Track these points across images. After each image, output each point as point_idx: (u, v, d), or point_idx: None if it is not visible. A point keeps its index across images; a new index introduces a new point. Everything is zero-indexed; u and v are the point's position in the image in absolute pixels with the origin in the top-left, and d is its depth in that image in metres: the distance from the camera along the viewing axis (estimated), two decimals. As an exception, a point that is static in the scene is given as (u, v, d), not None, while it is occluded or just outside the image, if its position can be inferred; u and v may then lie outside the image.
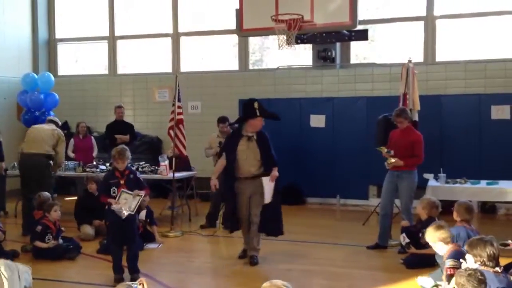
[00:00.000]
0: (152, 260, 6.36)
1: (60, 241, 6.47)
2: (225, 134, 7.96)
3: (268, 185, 5.95)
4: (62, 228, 6.63)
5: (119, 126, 9.64)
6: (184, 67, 11.45)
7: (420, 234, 5.88)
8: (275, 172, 5.96)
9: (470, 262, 4.02)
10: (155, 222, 7.35)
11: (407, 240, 5.94)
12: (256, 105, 5.96)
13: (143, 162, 8.64)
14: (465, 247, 4.13)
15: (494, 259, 3.85)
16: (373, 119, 8.56)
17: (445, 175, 7.42)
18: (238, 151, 5.97)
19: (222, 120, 8.05)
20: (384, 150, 6.65)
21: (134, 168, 8.16)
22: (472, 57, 9.64)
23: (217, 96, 10.73)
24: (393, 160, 6.53)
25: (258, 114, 5.93)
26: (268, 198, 5.96)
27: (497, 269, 3.83)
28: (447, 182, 7.37)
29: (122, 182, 5.46)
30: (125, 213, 5.30)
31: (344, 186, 9.63)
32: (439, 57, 9.89)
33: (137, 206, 5.44)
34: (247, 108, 6.05)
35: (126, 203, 5.33)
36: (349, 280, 5.58)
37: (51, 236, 6.36)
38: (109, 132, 9.61)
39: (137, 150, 9.85)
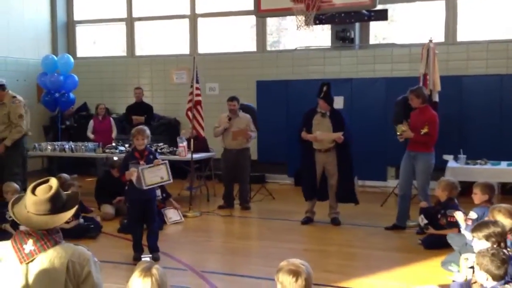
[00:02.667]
0: (171, 239, 6.45)
1: (81, 220, 6.57)
2: (233, 112, 7.99)
3: (326, 134, 6.69)
4: (92, 208, 6.74)
5: (138, 108, 9.71)
6: (202, 49, 11.43)
7: (439, 215, 5.87)
8: (340, 135, 6.67)
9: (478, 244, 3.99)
10: (169, 194, 7.44)
11: (426, 221, 5.93)
12: (324, 88, 6.78)
13: (162, 144, 8.70)
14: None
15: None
16: (392, 100, 8.48)
17: (465, 156, 7.35)
18: (313, 125, 6.79)
19: (231, 98, 8.09)
20: (400, 128, 6.59)
21: (152, 150, 8.26)
22: (494, 37, 9.44)
23: (234, 77, 10.71)
24: (403, 128, 6.47)
25: (320, 96, 6.79)
26: (321, 135, 6.72)
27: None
28: (467, 163, 7.31)
29: (141, 162, 5.50)
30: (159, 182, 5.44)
31: (362, 168, 9.54)
32: (460, 37, 9.71)
33: (169, 172, 5.47)
34: (319, 88, 6.83)
35: (154, 176, 5.37)
36: (366, 261, 5.59)
37: (71, 217, 6.42)
38: (128, 114, 9.70)
39: (155, 132, 9.89)
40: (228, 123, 7.94)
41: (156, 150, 8.35)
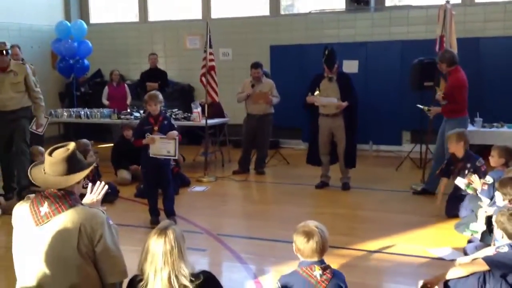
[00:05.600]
0: (187, 204, 6.54)
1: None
2: (257, 80, 7.94)
3: (327, 100, 6.68)
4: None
5: (153, 74, 9.72)
6: (215, 14, 11.31)
7: (466, 172, 5.53)
8: (342, 103, 6.65)
9: (499, 200, 4.02)
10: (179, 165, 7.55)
11: (466, 181, 5.33)
12: (326, 51, 6.70)
13: (176, 109, 8.73)
14: (496, 185, 4.11)
15: None
16: (408, 64, 8.38)
17: (481, 119, 7.28)
18: (320, 90, 6.74)
19: (254, 65, 7.98)
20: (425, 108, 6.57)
21: (168, 115, 8.30)
22: (513, -2, 9.21)
23: (248, 42, 10.62)
24: (426, 108, 6.44)
25: (323, 60, 6.72)
26: (322, 101, 6.73)
27: None
28: (483, 127, 7.24)
29: (156, 128, 5.55)
30: (165, 155, 5.50)
31: (376, 132, 9.56)
32: (478, -2, 9.50)
33: (177, 149, 5.54)
34: (323, 52, 6.75)
35: (162, 147, 5.46)
36: (380, 224, 5.62)
37: (88, 181, 6.53)
38: (142, 80, 9.71)
39: (169, 98, 9.91)
40: (251, 90, 7.91)
41: (170, 115, 8.39)
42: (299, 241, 2.83)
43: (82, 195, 2.86)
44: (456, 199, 5.67)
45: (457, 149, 5.70)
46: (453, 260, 4.21)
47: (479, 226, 4.58)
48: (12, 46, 7.74)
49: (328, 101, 6.73)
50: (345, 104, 6.68)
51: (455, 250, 4.69)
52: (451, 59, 6.38)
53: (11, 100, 6.41)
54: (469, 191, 5.15)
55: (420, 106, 6.75)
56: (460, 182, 5.29)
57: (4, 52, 6.27)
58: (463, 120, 6.39)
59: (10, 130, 6.44)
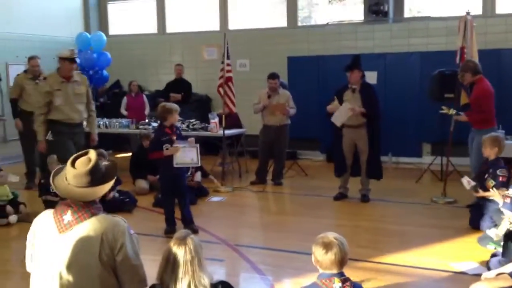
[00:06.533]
0: (204, 214, 6.51)
1: (116, 194, 6.68)
2: (273, 90, 7.92)
3: (343, 110, 6.59)
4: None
5: (178, 84, 9.78)
6: (232, 25, 11.36)
7: (486, 176, 5.53)
8: (356, 108, 6.57)
9: None
10: (207, 173, 7.66)
11: (473, 183, 5.54)
12: (353, 60, 6.71)
13: (193, 120, 8.75)
14: None
15: None
16: (427, 75, 8.31)
17: (503, 131, 7.15)
18: (343, 101, 6.68)
19: (271, 76, 7.97)
20: (452, 111, 6.46)
21: (185, 126, 8.35)
22: (535, 9, 9.11)
23: (265, 53, 10.63)
24: (454, 111, 6.33)
25: (348, 68, 6.69)
26: (337, 119, 6.69)
27: None
28: (505, 139, 7.09)
29: (174, 137, 5.57)
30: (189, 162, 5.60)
31: (396, 144, 9.44)
32: (499, 9, 9.38)
33: (199, 156, 5.59)
34: (350, 62, 6.75)
35: (185, 156, 5.50)
36: (400, 237, 5.53)
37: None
38: (167, 90, 9.75)
39: (187, 108, 9.95)
40: (268, 101, 7.89)
41: (188, 126, 8.44)
42: (318, 253, 2.78)
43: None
44: (480, 208, 5.55)
45: (491, 154, 5.60)
46: (476, 275, 4.11)
47: (500, 230, 4.47)
48: (32, 57, 7.87)
49: (342, 108, 6.65)
50: (359, 109, 6.59)
51: (479, 265, 4.58)
52: (475, 68, 6.30)
53: (77, 112, 6.25)
54: (474, 194, 5.33)
55: (444, 109, 6.62)
56: (465, 181, 5.25)
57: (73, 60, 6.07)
58: (491, 131, 6.22)
59: (76, 145, 6.16)
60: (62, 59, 6.06)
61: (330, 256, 2.73)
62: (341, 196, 7.03)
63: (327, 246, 2.76)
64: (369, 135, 6.74)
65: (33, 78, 7.78)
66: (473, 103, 6.25)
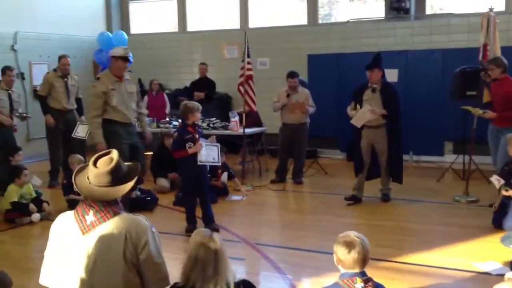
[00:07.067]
0: (224, 212, 6.54)
1: (138, 193, 6.75)
2: (293, 89, 7.91)
3: (364, 112, 6.44)
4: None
5: (202, 83, 9.84)
6: (252, 23, 11.37)
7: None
8: (382, 111, 6.44)
9: None
10: (234, 175, 7.61)
11: (503, 182, 5.37)
12: (374, 59, 6.60)
13: (214, 118, 8.78)
14: None
15: None
16: (449, 73, 8.21)
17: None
18: (363, 101, 6.56)
19: (291, 74, 7.95)
20: (477, 111, 6.36)
21: (205, 124, 8.39)
22: (560, 4, 8.92)
23: (285, 51, 10.61)
24: (480, 111, 6.25)
25: (368, 67, 6.56)
26: (357, 121, 6.54)
27: None
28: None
29: (196, 135, 5.61)
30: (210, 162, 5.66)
31: (417, 142, 9.35)
32: (523, 5, 9.23)
33: (220, 155, 5.70)
34: (370, 61, 6.63)
35: (208, 155, 5.58)
36: (422, 236, 5.49)
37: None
38: (191, 89, 9.82)
39: (208, 107, 10.00)
40: (287, 100, 7.89)
41: (208, 124, 8.48)
42: (340, 252, 2.78)
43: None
44: (504, 207, 5.44)
45: None
46: (499, 275, 4.06)
47: None
48: (63, 56, 8.02)
49: (363, 110, 6.51)
50: (379, 111, 6.46)
51: (502, 265, 4.52)
52: (506, 65, 6.24)
53: (132, 112, 6.06)
54: (503, 192, 5.11)
55: (468, 108, 6.52)
56: (494, 179, 5.16)
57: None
58: None
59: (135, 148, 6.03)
60: (115, 58, 5.85)
61: (353, 255, 2.73)
62: (353, 199, 6.78)
63: (349, 245, 2.75)
64: (388, 136, 6.61)
65: (62, 76, 7.95)
66: (502, 100, 6.15)
